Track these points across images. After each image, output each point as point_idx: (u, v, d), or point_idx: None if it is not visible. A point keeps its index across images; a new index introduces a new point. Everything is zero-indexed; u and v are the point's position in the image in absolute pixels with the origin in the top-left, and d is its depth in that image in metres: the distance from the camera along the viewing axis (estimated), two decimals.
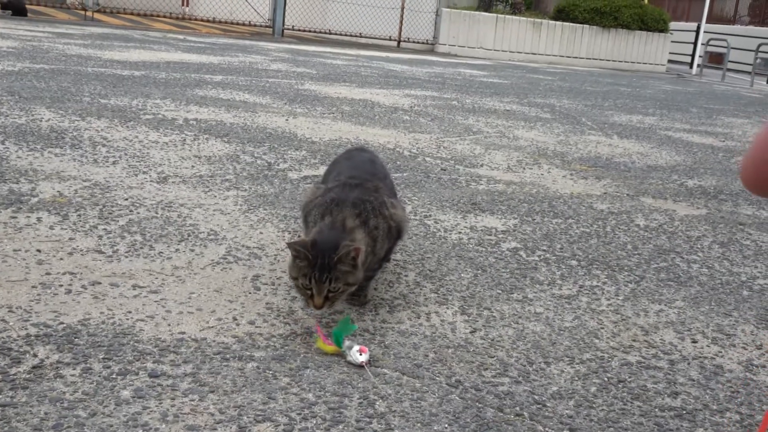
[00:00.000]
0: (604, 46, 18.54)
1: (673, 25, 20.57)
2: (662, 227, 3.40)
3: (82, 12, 14.31)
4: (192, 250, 2.47)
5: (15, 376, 1.59)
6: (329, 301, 1.86)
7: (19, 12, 12.99)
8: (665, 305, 2.41)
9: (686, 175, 4.81)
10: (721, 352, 2.11)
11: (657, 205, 3.85)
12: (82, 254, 2.33)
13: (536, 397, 1.74)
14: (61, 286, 2.08)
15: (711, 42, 19.51)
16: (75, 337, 1.79)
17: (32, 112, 4.50)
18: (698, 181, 4.64)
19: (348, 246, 1.83)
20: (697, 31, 20.56)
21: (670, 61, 20.51)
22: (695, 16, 24.89)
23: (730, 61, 19.26)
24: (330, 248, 1.83)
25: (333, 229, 1.90)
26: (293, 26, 16.10)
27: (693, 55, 20.57)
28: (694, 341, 2.16)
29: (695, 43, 20.56)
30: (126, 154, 3.69)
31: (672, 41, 19.87)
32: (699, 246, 3.16)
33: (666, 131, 6.97)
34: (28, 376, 1.59)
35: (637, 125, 7.19)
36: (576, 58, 18.20)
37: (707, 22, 20.94)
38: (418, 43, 16.89)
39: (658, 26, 19.05)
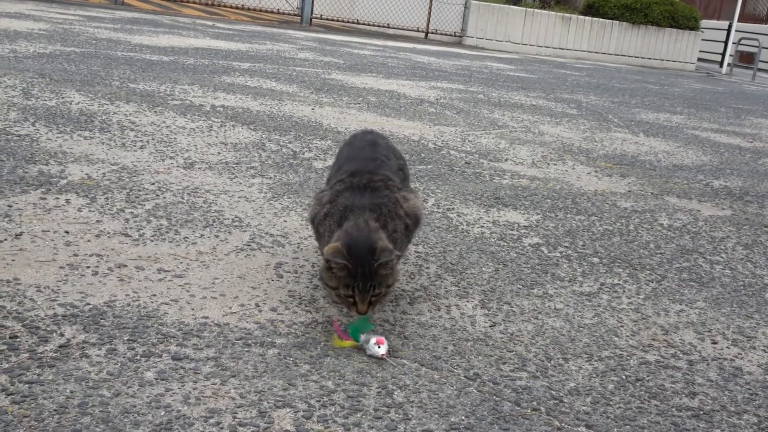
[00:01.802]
0: (633, 42, 18.37)
1: (703, 23, 20.34)
2: (686, 227, 3.37)
3: None
4: (216, 236, 2.48)
5: (42, 355, 1.62)
6: (372, 306, 1.82)
7: None
8: (686, 305, 2.40)
9: (712, 175, 4.77)
10: (740, 354, 2.10)
11: (681, 204, 3.82)
12: (108, 237, 2.36)
13: (554, 392, 1.74)
14: (88, 267, 2.10)
15: (742, 41, 19.26)
16: (101, 318, 1.81)
17: (62, 94, 4.55)
18: (724, 181, 4.60)
19: (389, 252, 1.75)
20: (729, 30, 20.30)
21: (699, 60, 20.30)
22: (727, 15, 24.57)
23: (761, 61, 19.01)
24: (366, 252, 1.75)
25: (360, 231, 1.80)
26: (321, 15, 16.10)
27: (723, 54, 20.33)
28: (714, 342, 2.14)
29: (726, 42, 20.31)
30: (154, 139, 3.72)
31: (702, 39, 19.65)
32: (722, 247, 3.13)
33: (693, 130, 6.90)
34: (54, 354, 1.62)
35: (664, 123, 7.13)
36: (604, 54, 18.05)
37: (739, 20, 20.67)
38: (445, 35, 16.83)
39: (689, 24, 18.84)
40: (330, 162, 3.72)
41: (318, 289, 2.16)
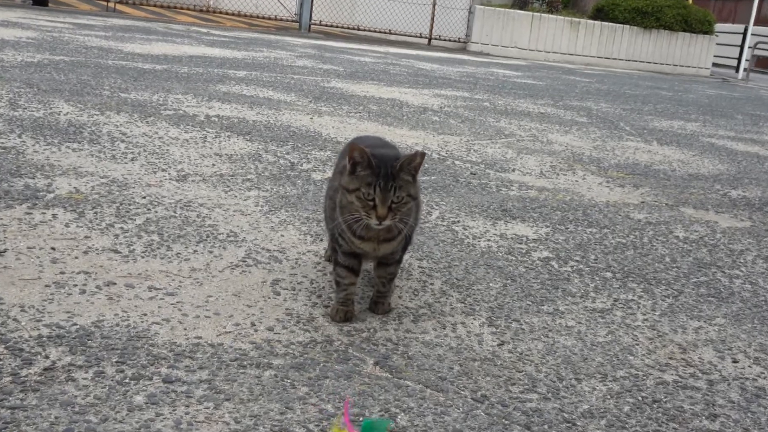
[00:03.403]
0: (644, 47, 18.41)
1: (718, 26, 20.37)
2: (703, 240, 3.35)
3: (104, 2, 14.47)
4: (210, 252, 2.47)
5: (26, 378, 1.60)
6: (392, 213, 1.88)
7: (40, 2, 13.15)
8: (705, 322, 2.38)
9: (730, 185, 4.75)
10: (763, 373, 2.07)
11: (698, 216, 3.80)
12: (97, 253, 2.35)
13: (566, 415, 1.72)
14: (75, 285, 2.08)
15: (759, 45, 19.29)
16: (88, 339, 1.79)
17: (50, 105, 4.56)
18: (742, 191, 4.58)
19: (411, 154, 1.88)
20: (744, 33, 20.34)
21: (714, 65, 20.32)
22: (743, 18, 24.63)
23: None
24: (389, 158, 1.89)
25: (383, 148, 2.00)
26: (320, 21, 16.15)
27: (739, 59, 20.36)
28: (735, 361, 2.12)
29: (742, 46, 20.34)
30: (145, 151, 3.72)
31: (717, 44, 19.68)
32: (742, 260, 3.11)
33: (709, 138, 6.89)
34: (39, 378, 1.60)
35: (678, 131, 7.12)
36: (615, 59, 18.09)
37: (755, 24, 20.71)
38: (449, 41, 16.87)
39: (703, 28, 18.88)
40: (330, 173, 3.70)
41: (316, 307, 2.15)
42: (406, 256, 2.50)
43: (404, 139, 4.93)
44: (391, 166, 1.87)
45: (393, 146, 2.29)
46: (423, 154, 1.91)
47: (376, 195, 1.86)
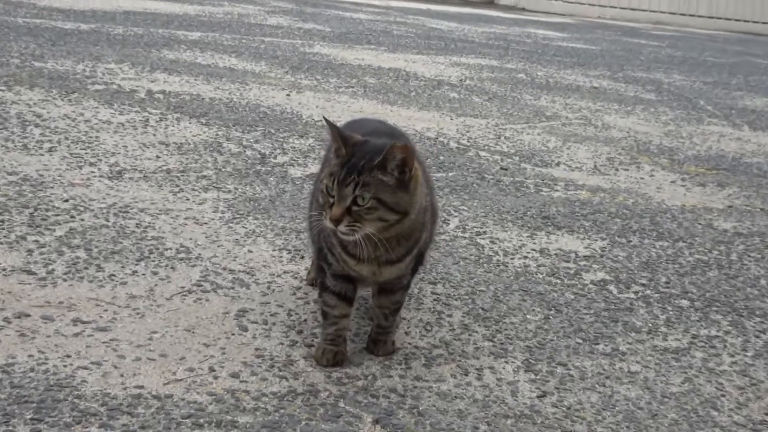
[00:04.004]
0: (731, 1, 18.39)
1: None
2: None
3: None
4: (155, 273, 2.46)
5: None
6: (351, 218, 1.87)
7: None
8: None
9: None
10: None
11: None
12: (4, 275, 2.32)
13: None
14: None
15: None
16: None
17: None
18: None
19: (395, 146, 1.87)
20: None
21: None
22: None
23: None
24: (372, 148, 1.90)
25: (381, 137, 2.00)
26: None
27: None
28: None
29: None
30: (67, 139, 3.70)
31: None
32: None
33: None
34: None
35: None
36: (692, 16, 18.08)
37: None
38: None
39: None
40: (315, 168, 3.70)
41: (296, 347, 2.13)
42: (416, 279, 2.42)
43: (412, 122, 4.92)
44: (366, 158, 1.88)
45: (402, 135, 2.30)
46: (405, 148, 1.88)
47: (334, 188, 1.88)
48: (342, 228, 1.87)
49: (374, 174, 1.87)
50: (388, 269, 2.01)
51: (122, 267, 2.48)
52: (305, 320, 2.29)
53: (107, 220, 2.82)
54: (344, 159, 1.89)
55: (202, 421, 1.76)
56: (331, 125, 1.93)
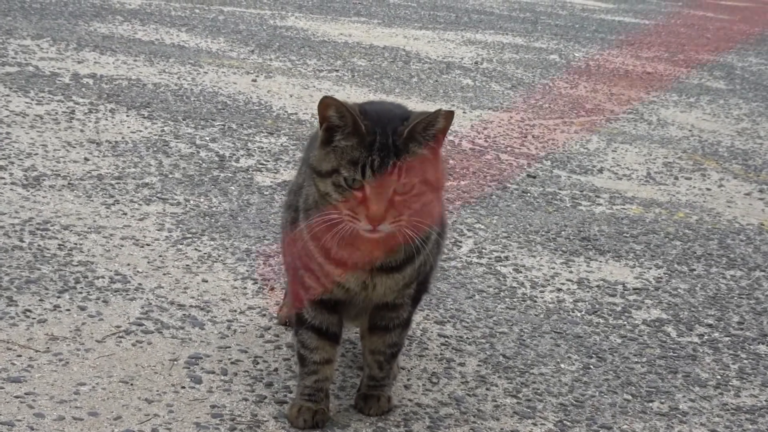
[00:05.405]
0: None
1: None
2: None
3: None
4: (83, 309, 2.30)
5: None
6: (395, 210, 1.70)
7: None
8: None
9: None
10: None
11: None
12: None
13: None
14: None
15: None
16: None
17: None
18: None
19: (441, 111, 1.73)
20: None
21: None
22: None
23: None
24: (393, 118, 1.75)
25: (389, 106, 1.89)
26: None
27: None
28: None
29: None
30: None
31: None
32: None
33: None
34: None
35: None
36: None
37: None
38: None
39: None
40: (289, 175, 3.41)
41: (264, 404, 1.98)
42: (417, 317, 2.35)
43: None
44: (394, 131, 1.70)
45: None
46: (450, 114, 1.73)
47: (366, 180, 1.68)
48: (386, 227, 1.70)
49: (412, 148, 1.72)
50: (384, 280, 1.85)
51: (40, 300, 2.33)
52: (275, 369, 2.15)
53: (21, 240, 2.67)
54: (367, 139, 1.71)
55: None
56: (340, 105, 1.72)
